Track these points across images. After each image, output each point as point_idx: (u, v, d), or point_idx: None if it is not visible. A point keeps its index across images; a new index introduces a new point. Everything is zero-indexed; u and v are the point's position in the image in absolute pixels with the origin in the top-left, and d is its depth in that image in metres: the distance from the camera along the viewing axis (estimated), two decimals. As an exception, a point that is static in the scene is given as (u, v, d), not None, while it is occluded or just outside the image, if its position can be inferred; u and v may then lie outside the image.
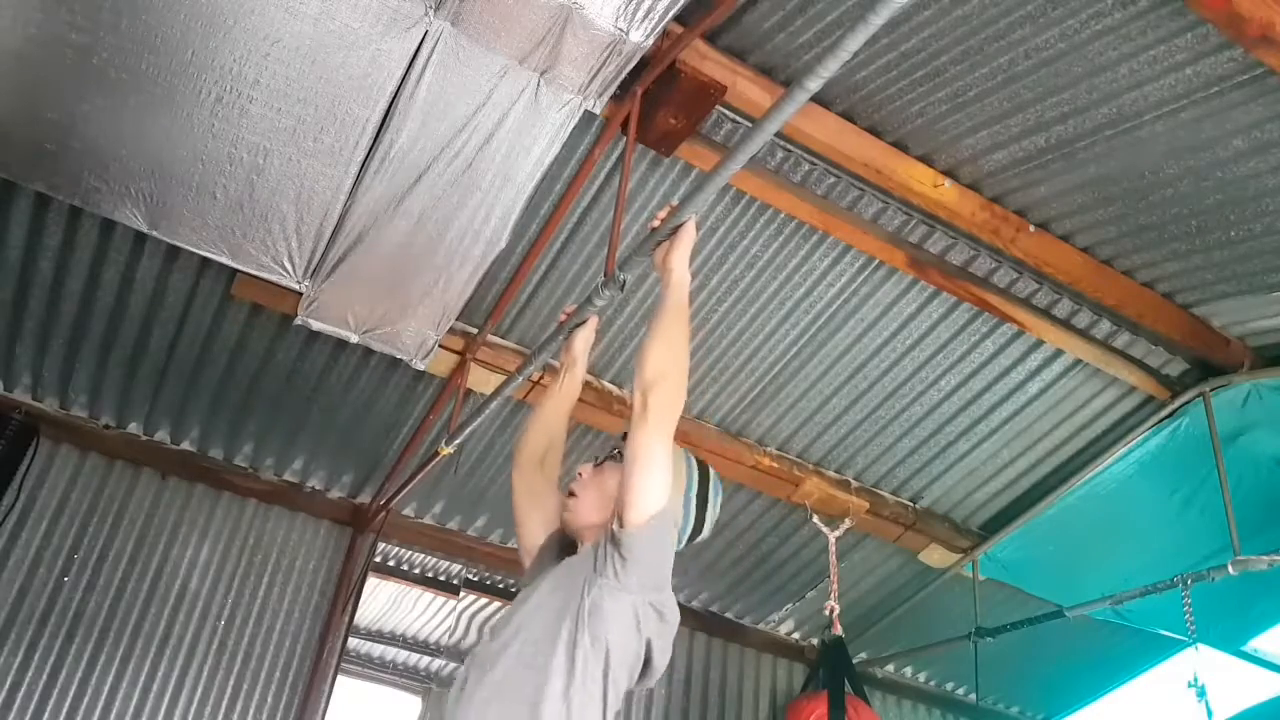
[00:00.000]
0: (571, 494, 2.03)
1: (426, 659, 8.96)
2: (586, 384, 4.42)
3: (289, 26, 2.88)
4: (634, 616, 1.72)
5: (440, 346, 4.02)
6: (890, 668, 6.26)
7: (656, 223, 2.13)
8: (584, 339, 2.47)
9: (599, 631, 1.68)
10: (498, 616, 1.91)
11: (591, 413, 4.47)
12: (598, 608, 1.70)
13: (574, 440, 4.78)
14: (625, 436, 1.87)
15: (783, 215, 3.76)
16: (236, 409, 4.62)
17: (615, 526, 1.75)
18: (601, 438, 4.72)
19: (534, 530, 2.20)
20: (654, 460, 1.75)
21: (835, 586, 4.78)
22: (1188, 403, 4.31)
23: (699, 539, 2.06)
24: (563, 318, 2.50)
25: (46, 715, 4.20)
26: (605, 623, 1.69)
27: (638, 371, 1.83)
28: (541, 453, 2.31)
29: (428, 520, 5.29)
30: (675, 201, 2.18)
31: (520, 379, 3.33)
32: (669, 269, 2.05)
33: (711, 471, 2.09)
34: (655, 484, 1.75)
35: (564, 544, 2.07)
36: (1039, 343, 4.22)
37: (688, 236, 2.08)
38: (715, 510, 2.07)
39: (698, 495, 2.02)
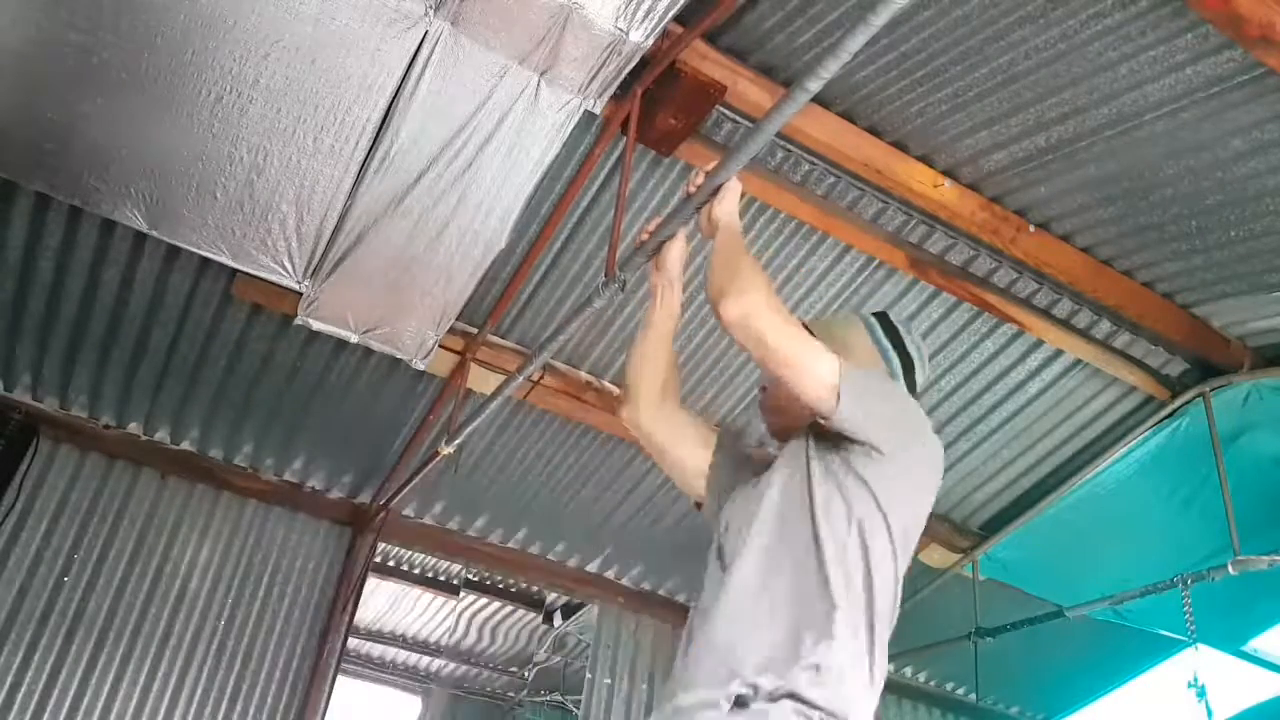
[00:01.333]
0: (764, 407, 1.98)
1: (426, 659, 8.97)
2: (587, 384, 4.44)
3: (289, 26, 2.88)
4: (903, 480, 1.70)
5: (440, 346, 4.02)
6: (890, 668, 6.24)
7: (692, 188, 2.04)
8: (677, 255, 2.15)
9: (882, 501, 1.64)
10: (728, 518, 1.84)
11: (593, 413, 4.48)
12: (870, 483, 1.63)
13: (573, 440, 4.78)
14: None
15: (783, 215, 3.76)
16: (236, 409, 4.62)
17: (830, 425, 1.64)
18: (601, 437, 4.72)
19: (693, 456, 2.05)
20: (786, 348, 1.63)
21: (835, 586, 4.77)
22: (1188, 403, 4.31)
23: (922, 376, 1.98)
24: (645, 236, 2.21)
25: (46, 715, 4.20)
26: (884, 493, 1.64)
27: (719, 309, 1.71)
28: (661, 385, 2.08)
29: (428, 520, 5.29)
30: (674, 201, 2.17)
31: (520, 379, 3.34)
32: (716, 221, 1.98)
33: (887, 315, 1.99)
34: (812, 363, 1.62)
35: (739, 455, 2.03)
36: (1039, 343, 4.22)
37: (733, 190, 2.01)
38: (916, 343, 1.97)
39: (886, 337, 1.93)
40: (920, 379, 1.97)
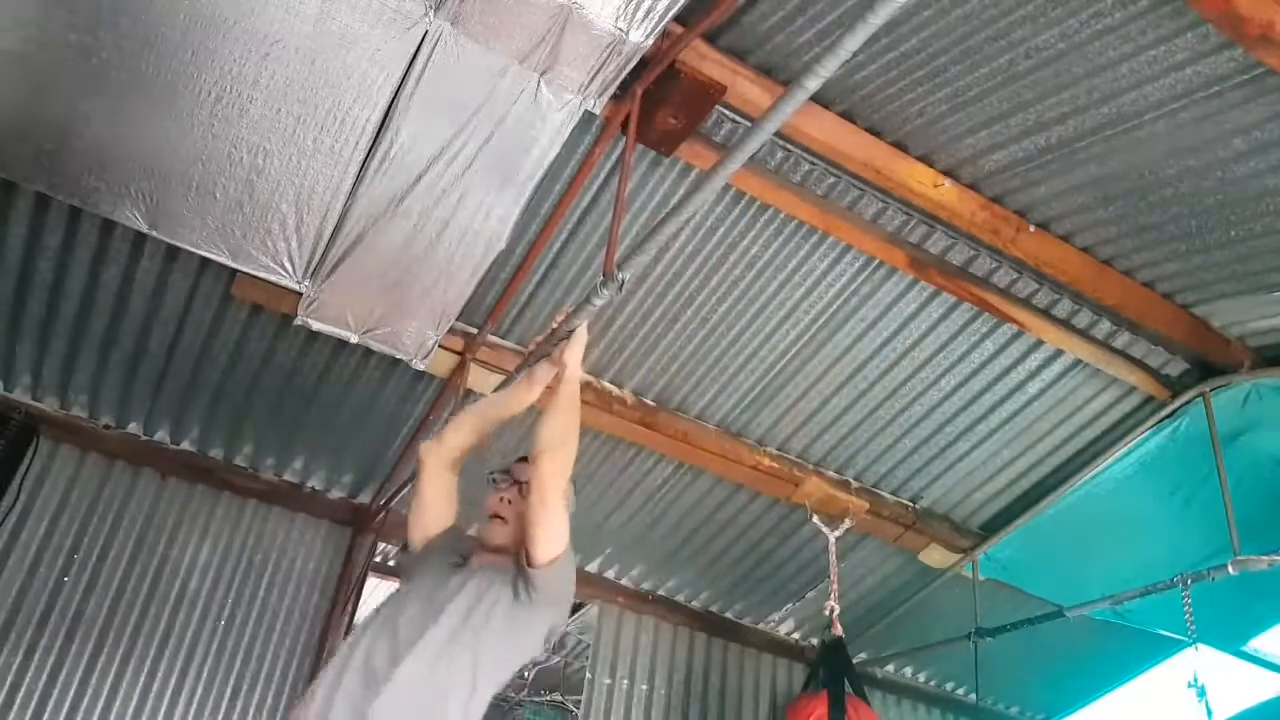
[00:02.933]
0: (498, 517, 2.40)
1: (426, 659, 8.94)
2: (587, 384, 4.44)
3: (289, 26, 2.88)
4: (539, 632, 2.21)
5: (440, 346, 4.02)
6: (890, 668, 6.26)
7: (555, 325, 2.49)
8: (577, 353, 2.56)
9: (505, 645, 2.13)
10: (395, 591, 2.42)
11: (594, 414, 4.47)
12: (511, 625, 2.13)
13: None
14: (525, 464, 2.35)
15: (783, 215, 3.76)
16: (236, 409, 4.62)
17: (527, 565, 2.16)
18: (601, 438, 4.72)
19: (438, 517, 2.50)
20: (556, 515, 2.19)
21: (835, 586, 4.78)
22: (1188, 403, 4.31)
23: None
24: (555, 324, 2.59)
25: (46, 715, 4.20)
26: (512, 638, 2.14)
27: (536, 443, 2.26)
28: (464, 452, 2.58)
29: (428, 520, 5.28)
30: (675, 201, 2.20)
31: (520, 379, 3.33)
32: (564, 365, 2.45)
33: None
34: (558, 534, 2.19)
35: (459, 546, 2.44)
36: (1039, 343, 4.22)
37: (580, 338, 2.47)
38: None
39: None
40: None
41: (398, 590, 2.34)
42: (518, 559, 2.22)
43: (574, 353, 2.47)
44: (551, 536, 2.17)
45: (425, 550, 2.43)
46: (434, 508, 2.51)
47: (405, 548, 2.52)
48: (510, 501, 2.42)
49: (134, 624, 4.49)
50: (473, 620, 2.09)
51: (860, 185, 3.63)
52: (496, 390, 3.54)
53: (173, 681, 4.49)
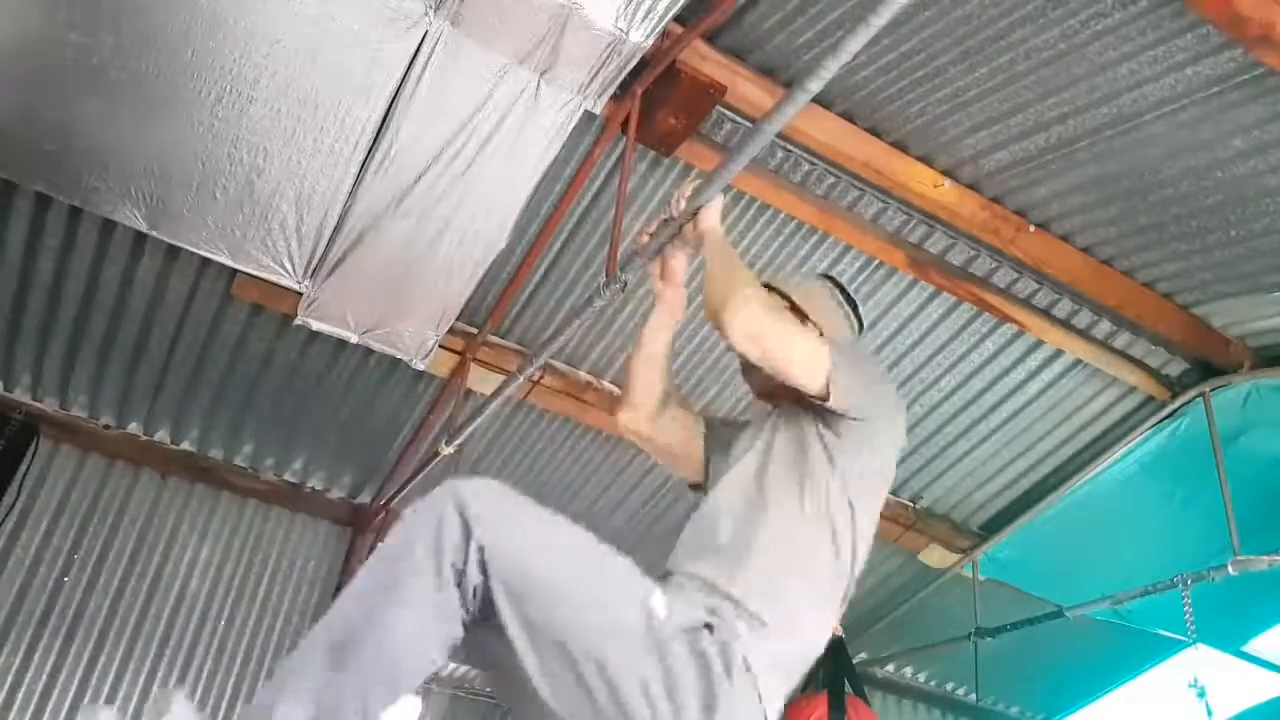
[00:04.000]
0: (746, 367, 2.04)
1: (426, 659, 8.96)
2: (587, 384, 4.44)
3: (289, 26, 2.88)
4: (880, 441, 1.89)
5: (440, 346, 4.02)
6: (890, 668, 6.26)
7: (675, 211, 2.12)
8: (681, 262, 2.22)
9: (859, 461, 1.83)
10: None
11: (595, 414, 4.48)
12: (851, 444, 1.81)
13: (573, 440, 4.78)
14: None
15: (783, 215, 3.76)
16: (236, 409, 4.61)
17: (820, 401, 1.77)
18: (601, 437, 4.72)
19: (689, 446, 2.17)
20: (783, 346, 1.77)
21: (835, 586, 4.77)
22: (1188, 403, 4.31)
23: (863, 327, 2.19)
24: (645, 238, 2.25)
25: (46, 715, 4.20)
26: (861, 453, 1.83)
27: (712, 310, 1.84)
28: (662, 392, 2.16)
29: (428, 520, 5.28)
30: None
31: (520, 379, 3.34)
32: (701, 235, 2.06)
33: (836, 279, 2.18)
34: (806, 355, 1.76)
35: (727, 428, 2.13)
36: (1039, 343, 4.22)
37: (716, 206, 2.09)
38: (861, 309, 2.16)
39: (843, 299, 2.10)
40: (862, 334, 2.23)
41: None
42: (800, 401, 1.84)
43: (710, 218, 2.07)
44: (802, 363, 1.74)
45: (710, 468, 2.11)
46: (683, 452, 2.17)
47: (696, 488, 2.19)
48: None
49: (134, 624, 4.49)
50: (791, 458, 1.79)
51: (860, 185, 3.63)
52: (488, 405, 3.50)
53: (172, 681, 4.48)
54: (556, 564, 1.47)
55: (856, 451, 1.81)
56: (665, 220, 2.14)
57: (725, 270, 1.91)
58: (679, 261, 2.22)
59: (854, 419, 1.78)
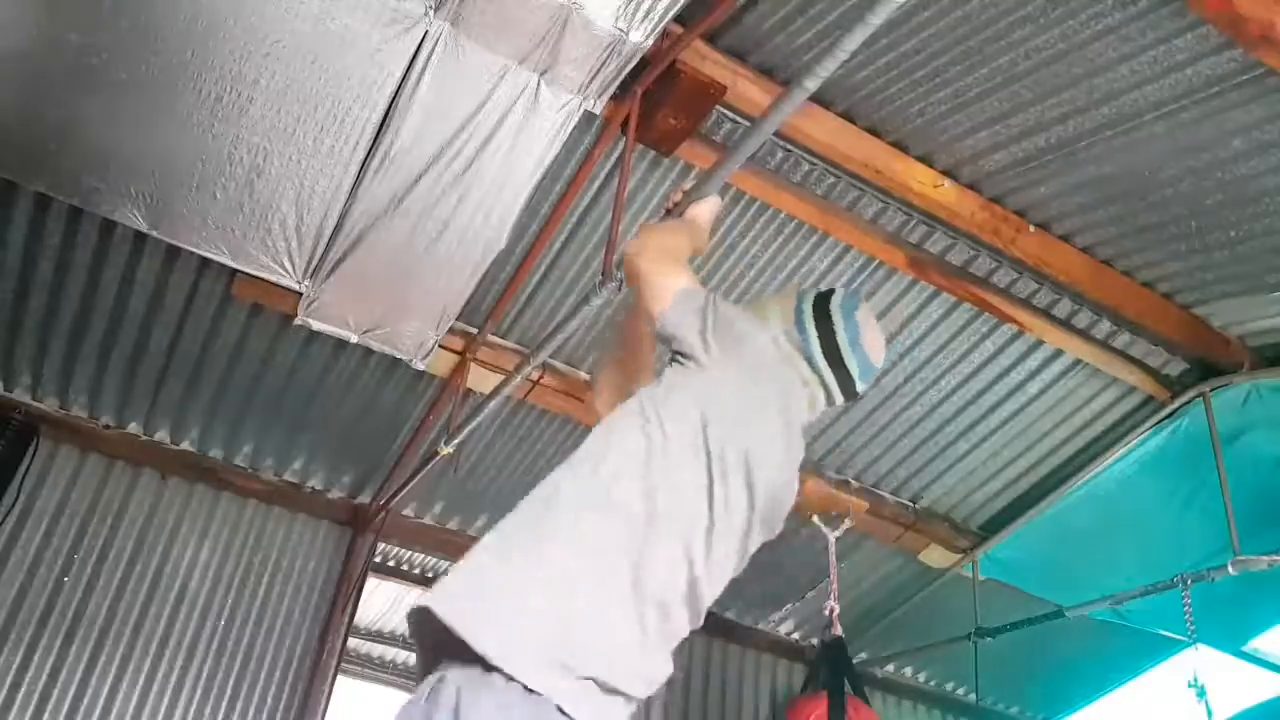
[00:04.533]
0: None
1: (426, 659, 8.96)
2: (586, 384, 4.44)
3: (289, 26, 2.88)
4: (723, 392, 1.66)
5: (440, 346, 4.02)
6: (890, 668, 6.26)
7: (670, 205, 2.17)
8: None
9: (680, 407, 1.63)
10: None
11: (591, 413, 4.47)
12: (671, 389, 1.66)
13: (573, 440, 4.77)
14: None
15: (783, 215, 3.76)
16: (236, 409, 4.62)
17: (656, 330, 1.76)
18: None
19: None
20: (643, 275, 1.79)
21: (835, 586, 4.78)
22: (1188, 403, 4.31)
23: (855, 361, 1.91)
24: (670, 205, 2.26)
25: (46, 715, 4.20)
26: (683, 399, 1.64)
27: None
28: (629, 384, 2.04)
29: (428, 520, 5.29)
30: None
31: (520, 379, 3.34)
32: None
33: (829, 295, 1.96)
34: (655, 284, 1.76)
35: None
36: (1039, 343, 4.22)
37: (711, 203, 2.12)
38: (852, 322, 1.92)
39: (812, 307, 1.92)
40: (853, 362, 1.91)
41: None
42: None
43: (701, 211, 2.12)
44: (653, 287, 1.76)
45: None
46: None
47: None
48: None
49: (134, 624, 4.49)
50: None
51: (860, 185, 3.63)
52: (488, 405, 3.48)
53: (173, 681, 4.49)
54: None
55: (677, 401, 1.64)
56: (667, 212, 2.18)
57: (673, 234, 1.97)
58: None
59: (684, 357, 1.69)
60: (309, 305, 3.71)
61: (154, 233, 3.41)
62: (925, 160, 3.48)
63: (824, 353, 1.89)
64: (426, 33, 2.89)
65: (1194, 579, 4.11)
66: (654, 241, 1.89)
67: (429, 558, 6.51)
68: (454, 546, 5.39)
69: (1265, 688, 5.51)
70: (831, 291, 1.97)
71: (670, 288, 1.75)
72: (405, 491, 4.45)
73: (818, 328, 1.90)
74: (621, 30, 2.84)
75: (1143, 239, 3.64)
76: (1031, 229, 3.64)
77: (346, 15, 2.85)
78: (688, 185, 2.18)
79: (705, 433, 1.60)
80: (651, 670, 1.53)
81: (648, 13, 2.79)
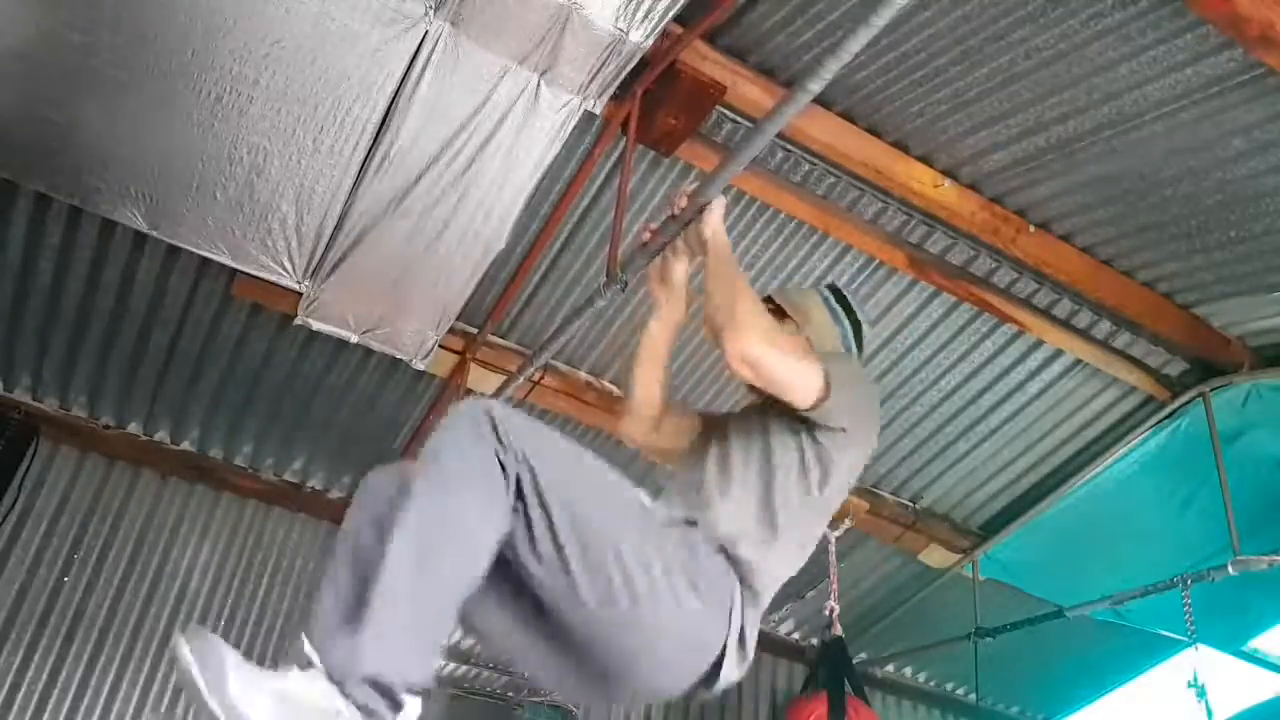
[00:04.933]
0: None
1: (426, 659, 8.94)
2: (587, 384, 4.44)
3: (289, 26, 2.88)
4: (860, 452, 1.98)
5: (440, 346, 4.02)
6: (890, 668, 6.25)
7: (676, 210, 2.15)
8: (682, 269, 2.24)
9: (827, 462, 1.89)
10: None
11: (594, 414, 4.47)
12: (824, 448, 1.88)
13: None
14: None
15: (783, 215, 3.76)
16: (236, 409, 4.61)
17: (808, 415, 1.85)
18: (602, 437, 4.72)
19: (683, 441, 2.24)
20: (780, 368, 1.83)
21: (835, 586, 4.78)
22: (1188, 403, 4.31)
23: (868, 334, 2.28)
24: (647, 236, 2.28)
25: (46, 715, 4.20)
26: (832, 457, 1.89)
27: (711, 327, 1.92)
28: (659, 400, 2.23)
29: (428, 520, 5.28)
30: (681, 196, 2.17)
31: (520, 379, 3.34)
32: (704, 240, 2.09)
33: (839, 288, 2.27)
34: (801, 386, 1.83)
35: (712, 423, 2.20)
36: (1039, 343, 4.22)
37: (719, 209, 2.11)
38: (863, 310, 2.25)
39: (840, 308, 2.21)
40: (867, 337, 2.28)
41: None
42: (788, 421, 1.92)
43: (713, 222, 2.09)
44: (795, 389, 1.82)
45: (694, 447, 2.19)
46: (677, 452, 2.23)
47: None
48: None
49: (134, 624, 4.49)
50: (764, 441, 1.91)
51: (860, 185, 3.63)
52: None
53: (172, 681, 4.48)
54: (576, 471, 1.69)
55: (831, 459, 1.90)
56: (670, 218, 2.15)
57: (727, 285, 1.95)
58: (680, 267, 2.24)
59: (837, 429, 1.88)
60: (309, 305, 3.71)
61: (154, 233, 3.41)
62: (925, 160, 3.48)
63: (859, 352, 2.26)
64: (426, 33, 2.89)
65: (1194, 579, 4.11)
66: (755, 331, 1.84)
67: (429, 558, 6.51)
68: (454, 546, 5.38)
69: (1265, 688, 5.51)
70: (841, 292, 2.25)
71: (813, 378, 1.84)
72: (405, 491, 4.44)
73: (857, 338, 2.23)
74: (621, 30, 2.84)
75: (1143, 239, 3.64)
76: (1031, 229, 3.64)
77: (346, 15, 2.85)
78: (690, 187, 2.16)
79: (847, 489, 2.00)
80: None
81: (648, 13, 2.80)
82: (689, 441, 2.23)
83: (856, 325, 2.22)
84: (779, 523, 1.87)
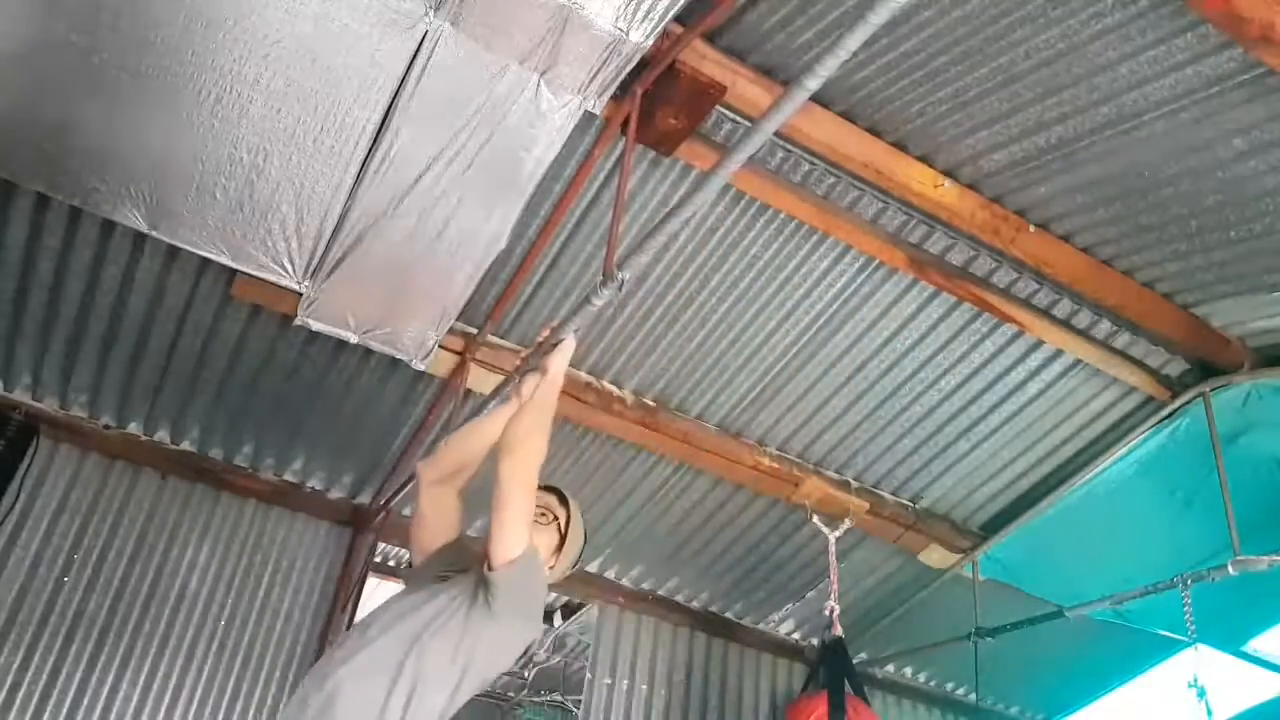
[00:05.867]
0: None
1: (426, 659, 8.93)
2: (586, 384, 4.44)
3: (289, 26, 2.88)
4: (499, 645, 2.15)
5: (440, 346, 4.02)
6: (890, 668, 6.26)
7: (542, 338, 2.55)
8: (563, 361, 2.54)
9: (466, 648, 2.07)
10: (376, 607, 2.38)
11: (594, 414, 4.47)
12: (463, 631, 2.08)
13: (573, 440, 4.78)
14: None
15: (783, 215, 3.76)
16: (236, 409, 4.61)
17: (485, 570, 2.10)
18: (601, 438, 4.72)
19: (435, 533, 2.50)
20: (512, 515, 2.12)
21: (835, 586, 4.78)
22: (1188, 403, 4.31)
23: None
24: (543, 336, 2.61)
25: (46, 715, 4.20)
26: (461, 645, 2.07)
27: (500, 443, 2.26)
28: (455, 471, 2.57)
29: (428, 520, 5.28)
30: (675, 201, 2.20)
31: (510, 394, 3.33)
32: (545, 369, 2.46)
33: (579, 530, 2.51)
34: (513, 535, 2.11)
35: (458, 559, 2.42)
36: (1039, 343, 4.22)
37: (568, 347, 2.50)
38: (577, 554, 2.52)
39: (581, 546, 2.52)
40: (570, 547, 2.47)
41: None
42: (481, 564, 2.18)
43: (559, 359, 2.48)
44: (507, 537, 2.10)
45: (424, 565, 2.45)
46: (431, 524, 2.51)
47: (410, 564, 2.56)
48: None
49: (134, 624, 4.49)
50: (431, 626, 2.09)
51: (860, 185, 3.63)
52: (490, 404, 3.60)
53: (173, 681, 4.49)
54: None
55: (471, 643, 2.09)
56: (536, 348, 2.57)
57: (539, 415, 2.31)
58: (562, 360, 2.53)
59: (496, 609, 2.08)
60: (309, 305, 3.71)
61: (154, 233, 3.41)
62: (925, 160, 3.48)
63: None
64: (426, 33, 2.89)
65: (1194, 579, 4.11)
66: (533, 469, 2.19)
67: (429, 558, 6.51)
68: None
69: (1265, 688, 5.51)
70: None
71: (516, 549, 2.10)
72: (405, 491, 4.45)
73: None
74: (621, 30, 2.84)
75: (1143, 239, 3.64)
76: (1031, 229, 3.64)
77: (346, 15, 2.85)
78: (553, 324, 2.61)
79: (469, 674, 2.10)
80: None
81: (648, 13, 2.79)
82: (436, 530, 2.49)
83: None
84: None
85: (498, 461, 2.18)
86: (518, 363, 2.66)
